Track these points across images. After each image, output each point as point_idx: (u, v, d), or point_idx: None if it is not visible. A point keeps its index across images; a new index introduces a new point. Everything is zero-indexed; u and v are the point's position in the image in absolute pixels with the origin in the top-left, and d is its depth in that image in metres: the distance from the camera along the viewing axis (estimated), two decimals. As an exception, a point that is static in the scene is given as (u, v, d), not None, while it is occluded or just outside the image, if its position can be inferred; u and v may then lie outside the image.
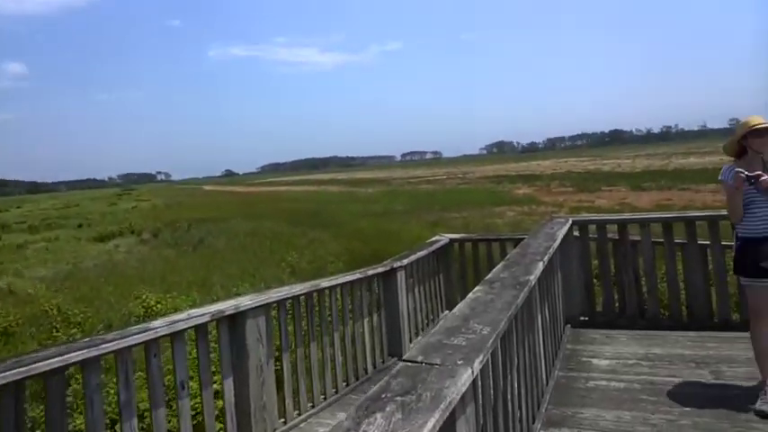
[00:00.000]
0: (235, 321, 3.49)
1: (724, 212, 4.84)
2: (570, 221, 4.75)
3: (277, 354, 4.03)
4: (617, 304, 5.26)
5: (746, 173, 3.30)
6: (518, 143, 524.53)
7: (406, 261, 5.55)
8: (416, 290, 5.92)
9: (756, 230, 3.40)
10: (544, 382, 3.51)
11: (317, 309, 4.33)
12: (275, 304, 3.86)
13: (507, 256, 3.36)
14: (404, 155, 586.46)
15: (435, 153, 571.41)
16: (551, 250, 3.63)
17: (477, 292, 2.62)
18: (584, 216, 5.05)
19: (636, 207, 28.32)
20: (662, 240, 4.97)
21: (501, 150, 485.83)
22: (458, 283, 6.76)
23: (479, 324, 2.12)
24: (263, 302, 3.65)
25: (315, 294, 4.28)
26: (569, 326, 4.83)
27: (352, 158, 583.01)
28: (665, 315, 5.20)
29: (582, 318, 5.11)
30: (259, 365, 3.59)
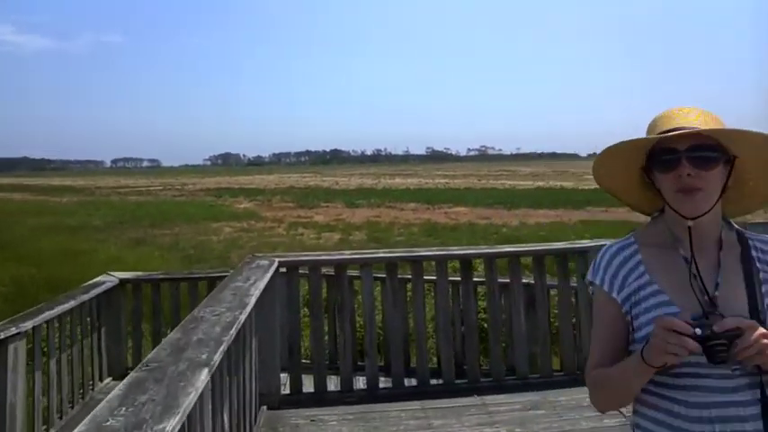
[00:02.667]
0: None
1: (453, 251, 4.15)
2: (276, 264, 3.47)
3: None
4: (328, 361, 4.22)
5: (698, 327, 1.01)
6: (244, 156, 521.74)
7: (29, 323, 3.58)
8: (54, 361, 3.95)
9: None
10: None
11: None
12: None
13: (147, 359, 1.83)
14: (115, 161, 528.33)
15: (153, 161, 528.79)
16: (237, 325, 2.24)
17: None
18: (294, 255, 3.84)
19: (350, 223, 29.55)
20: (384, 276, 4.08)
21: (226, 162, 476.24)
22: (129, 339, 4.99)
23: None
24: None
25: None
26: (265, 407, 3.50)
27: (49, 161, 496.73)
28: (384, 366, 4.31)
29: (283, 390, 3.86)
30: None
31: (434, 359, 4.62)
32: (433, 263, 3.94)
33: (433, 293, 4.96)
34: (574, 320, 4.11)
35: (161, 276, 5.16)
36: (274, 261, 3.47)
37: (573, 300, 4.11)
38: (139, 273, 5.26)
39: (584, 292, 3.95)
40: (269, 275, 3.15)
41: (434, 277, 4.09)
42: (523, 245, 4.08)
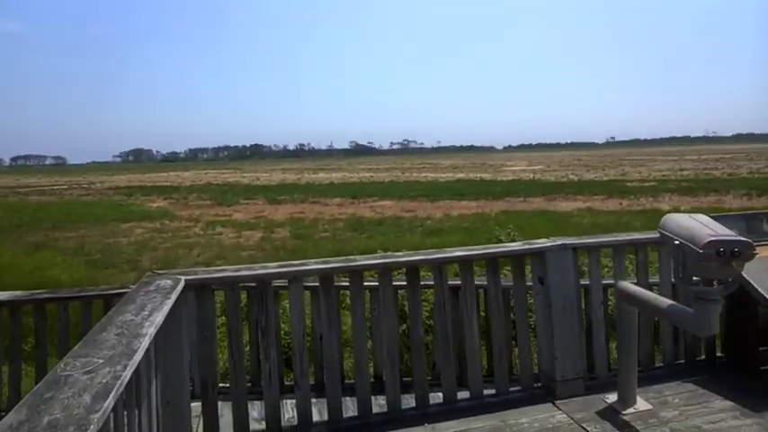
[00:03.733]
0: None
1: (398, 258, 3.58)
2: (182, 284, 2.79)
3: None
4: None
5: None
6: (158, 152, 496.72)
7: None
8: None
9: None
10: None
11: None
12: None
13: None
14: (15, 158, 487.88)
15: (58, 158, 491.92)
16: (118, 388, 1.58)
17: None
18: (206, 272, 3.14)
19: (272, 220, 28.60)
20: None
21: (138, 159, 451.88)
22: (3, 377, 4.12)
23: None
24: None
25: None
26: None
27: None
28: (316, 385, 3.73)
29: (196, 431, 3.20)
30: None
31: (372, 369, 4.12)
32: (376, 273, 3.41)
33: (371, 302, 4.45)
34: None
35: (45, 296, 4.29)
36: (180, 280, 2.79)
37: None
38: (18, 292, 4.35)
39: (542, 295, 3.56)
40: (171, 301, 2.48)
41: (375, 283, 3.56)
42: (475, 247, 3.59)
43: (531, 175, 61.75)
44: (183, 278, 2.84)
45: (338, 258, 3.39)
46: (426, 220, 27.14)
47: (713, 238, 2.52)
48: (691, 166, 71.48)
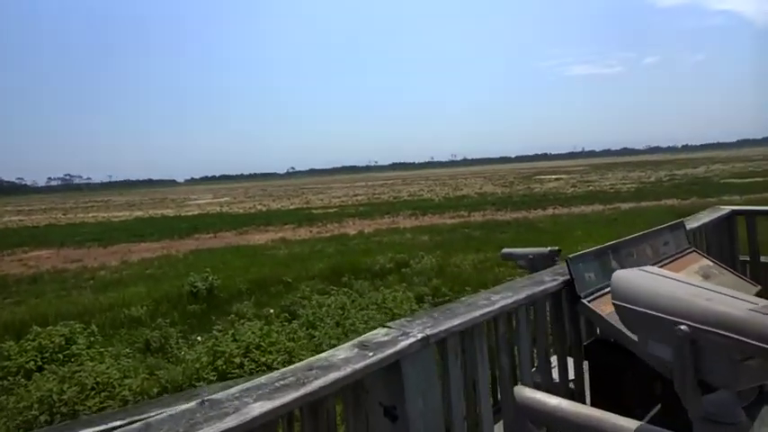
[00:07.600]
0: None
1: None
2: None
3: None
4: None
5: None
6: None
7: None
8: None
9: None
10: None
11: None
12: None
13: None
14: None
15: None
16: None
17: None
18: None
19: None
20: None
21: None
22: None
23: None
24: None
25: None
26: None
27: None
28: None
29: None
30: None
31: None
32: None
33: None
34: None
35: None
36: None
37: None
38: None
39: None
40: None
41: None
42: (284, 375, 1.43)
43: (219, 208, 59.46)
44: None
45: None
46: (99, 271, 22.46)
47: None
48: (362, 191, 79.49)
